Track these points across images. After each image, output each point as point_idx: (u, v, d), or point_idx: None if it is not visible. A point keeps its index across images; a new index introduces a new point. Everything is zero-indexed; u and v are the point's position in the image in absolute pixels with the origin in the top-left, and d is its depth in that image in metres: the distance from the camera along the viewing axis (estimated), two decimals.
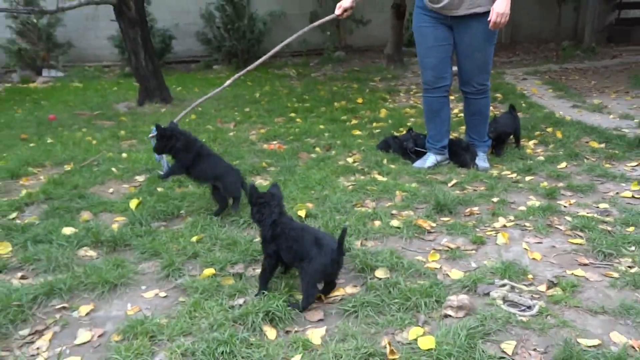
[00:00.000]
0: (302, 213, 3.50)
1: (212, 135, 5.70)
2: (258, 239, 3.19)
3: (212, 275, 2.83)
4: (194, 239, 3.25)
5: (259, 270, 2.86)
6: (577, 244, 3.11)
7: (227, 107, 7.34)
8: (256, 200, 2.64)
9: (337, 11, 4.20)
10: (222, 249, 3.13)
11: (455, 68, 4.49)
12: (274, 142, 5.46)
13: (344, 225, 2.69)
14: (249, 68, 4.38)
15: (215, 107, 7.35)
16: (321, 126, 6.03)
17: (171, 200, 3.86)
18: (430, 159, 4.57)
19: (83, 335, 2.41)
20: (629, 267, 2.83)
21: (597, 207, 3.61)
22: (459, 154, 4.54)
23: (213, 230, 3.35)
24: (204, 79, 10.09)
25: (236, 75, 4.29)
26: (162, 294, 2.73)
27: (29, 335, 2.43)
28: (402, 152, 4.79)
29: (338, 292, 2.67)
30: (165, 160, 4.11)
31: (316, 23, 4.31)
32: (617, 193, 3.84)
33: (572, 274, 2.79)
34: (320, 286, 2.60)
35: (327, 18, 4.27)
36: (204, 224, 3.44)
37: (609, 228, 3.26)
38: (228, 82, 4.24)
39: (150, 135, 3.93)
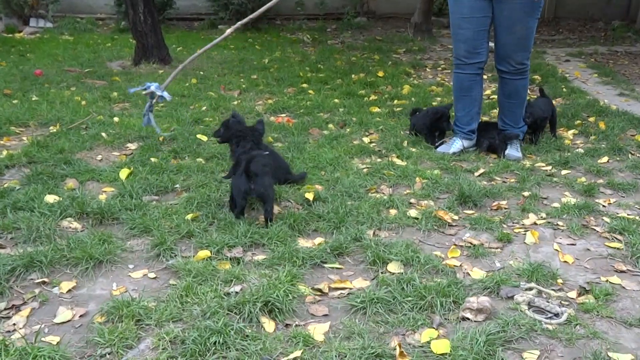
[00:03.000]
0: (309, 196, 3.51)
1: (214, 103, 5.71)
2: (259, 222, 3.22)
3: (207, 258, 2.85)
4: (189, 216, 3.26)
5: (259, 256, 2.89)
6: (614, 248, 3.11)
7: (232, 73, 7.33)
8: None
9: None
10: (220, 230, 3.14)
11: (492, 44, 4.46)
12: (283, 115, 5.46)
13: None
14: (252, 16, 4.20)
15: (219, 72, 7.34)
16: (336, 100, 6.01)
17: (166, 172, 3.88)
18: (456, 144, 4.55)
19: (64, 314, 2.45)
20: None
21: None
22: (489, 139, 4.53)
23: (210, 209, 3.36)
24: (208, 39, 10.01)
25: (238, 24, 4.11)
26: (152, 275, 2.76)
27: (5, 309, 2.47)
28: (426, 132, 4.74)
29: (345, 285, 2.69)
30: (154, 121, 4.04)
31: None
32: None
33: (607, 280, 2.79)
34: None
35: None
36: (201, 201, 3.45)
37: None
38: (228, 31, 4.11)
39: (144, 92, 3.92)
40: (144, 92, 3.95)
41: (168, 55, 7.77)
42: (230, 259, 2.87)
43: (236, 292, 2.56)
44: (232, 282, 2.66)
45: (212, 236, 3.05)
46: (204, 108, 5.58)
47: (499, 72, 4.50)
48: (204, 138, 4.67)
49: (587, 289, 2.69)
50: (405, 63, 8.27)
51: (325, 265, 2.86)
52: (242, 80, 6.91)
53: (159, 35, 7.70)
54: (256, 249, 2.99)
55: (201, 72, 7.27)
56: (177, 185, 3.73)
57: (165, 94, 3.95)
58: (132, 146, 4.50)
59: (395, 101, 6.09)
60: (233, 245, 2.98)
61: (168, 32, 9.85)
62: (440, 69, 8.06)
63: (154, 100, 3.93)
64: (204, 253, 2.88)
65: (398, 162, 4.24)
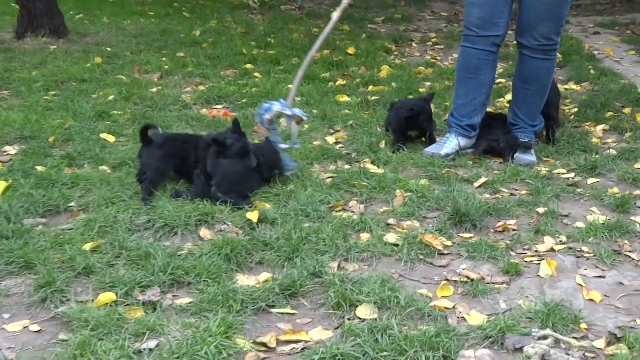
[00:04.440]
0: (252, 216, 3.51)
1: (125, 90, 5.67)
2: (184, 251, 3.21)
3: (111, 303, 2.81)
4: (87, 246, 3.23)
5: (182, 299, 2.87)
6: None
7: (149, 49, 7.29)
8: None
9: None
10: (129, 264, 3.11)
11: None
12: (218, 107, 5.45)
13: None
14: None
15: (132, 48, 7.30)
16: (290, 86, 6.02)
17: (56, 185, 3.84)
18: (449, 143, 4.61)
19: None
20: None
21: None
22: (493, 138, 4.60)
23: (117, 235, 3.33)
24: (119, 2, 9.99)
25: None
26: (34, 328, 2.71)
27: None
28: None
29: (299, 337, 2.68)
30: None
31: None
32: None
33: None
34: None
35: None
36: (104, 225, 3.42)
37: None
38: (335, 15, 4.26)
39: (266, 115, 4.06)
40: (266, 117, 4.07)
41: (63, 25, 7.70)
42: (143, 303, 2.84)
43: (150, 350, 2.54)
44: (145, 335, 2.62)
45: (118, 273, 3.01)
46: (111, 97, 5.53)
47: (519, 47, 4.60)
48: (111, 138, 4.64)
49: (618, 335, 2.72)
50: (384, 36, 8.35)
51: (273, 311, 2.85)
52: (163, 59, 6.89)
53: None
54: (179, 290, 2.97)
55: (108, 48, 7.22)
56: (72, 204, 3.69)
57: (298, 111, 4.13)
58: (11, 150, 4.44)
59: (370, 87, 6.14)
60: (147, 284, 2.95)
61: None
62: (430, 43, 8.17)
63: (286, 123, 4.12)
64: (107, 296, 2.85)
65: (373, 169, 4.27)
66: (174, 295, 2.93)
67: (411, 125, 4.70)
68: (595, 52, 7.76)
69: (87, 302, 2.84)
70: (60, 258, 3.13)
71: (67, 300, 2.86)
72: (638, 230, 3.63)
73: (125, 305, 2.82)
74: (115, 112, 5.19)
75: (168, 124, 4.90)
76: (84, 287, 2.97)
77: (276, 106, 4.07)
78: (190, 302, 2.86)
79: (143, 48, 7.33)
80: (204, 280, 2.98)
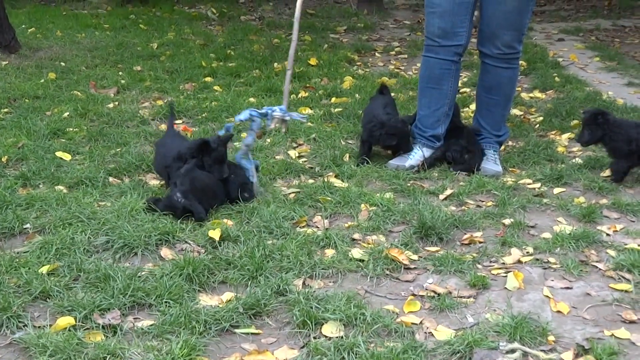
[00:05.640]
0: (214, 234, 3.52)
1: (81, 107, 5.63)
2: (145, 272, 3.20)
3: (69, 328, 2.80)
4: (44, 269, 3.21)
5: (143, 322, 2.86)
6: (621, 290, 3.22)
7: (105, 63, 7.26)
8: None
9: None
10: (88, 286, 3.10)
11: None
12: (178, 122, 5.43)
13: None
14: None
15: (88, 63, 7.27)
16: (252, 99, 6.05)
17: (10, 207, 3.80)
18: (414, 155, 4.66)
19: None
20: None
21: None
22: (457, 150, 4.65)
23: (75, 257, 3.32)
24: (73, 15, 9.93)
25: None
26: None
27: None
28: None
29: (264, 357, 2.69)
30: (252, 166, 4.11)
31: None
32: None
33: (612, 335, 2.88)
34: None
35: None
36: (61, 247, 3.40)
37: None
38: None
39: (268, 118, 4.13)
40: (269, 120, 4.15)
41: (14, 40, 7.64)
42: (103, 327, 2.83)
43: None
44: None
45: (77, 296, 3.00)
46: (65, 114, 5.50)
47: (481, 56, 4.66)
48: (67, 157, 4.61)
49: (586, 347, 2.76)
50: (347, 46, 8.40)
51: (237, 331, 2.86)
52: (120, 73, 6.86)
53: (1, 11, 7.54)
54: (140, 312, 2.96)
55: (62, 63, 7.17)
56: (28, 225, 3.67)
57: (296, 115, 4.28)
58: None
59: (333, 99, 6.18)
60: (107, 307, 2.94)
61: (15, 8, 9.69)
62: (393, 53, 8.24)
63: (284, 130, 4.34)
64: (66, 320, 2.83)
65: (337, 183, 4.30)
66: (135, 318, 2.92)
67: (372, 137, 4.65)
68: (560, 60, 7.89)
69: (45, 327, 2.82)
70: (16, 282, 3.11)
71: (24, 325, 2.84)
72: (604, 240, 3.70)
73: (85, 330, 2.81)
74: (71, 129, 5.16)
75: (126, 141, 4.88)
76: (42, 311, 2.95)
77: (278, 111, 4.12)
78: (152, 325, 2.86)
79: (99, 62, 7.30)
80: (165, 302, 2.98)
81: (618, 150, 4.34)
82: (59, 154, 4.64)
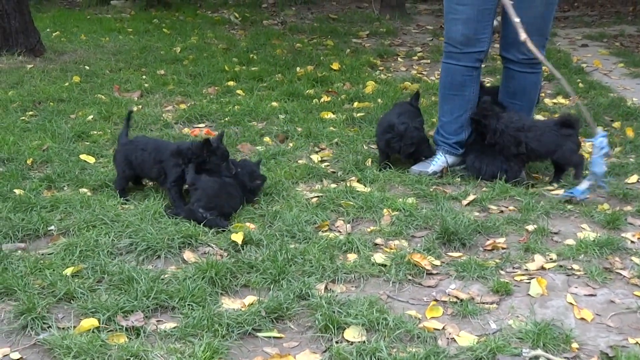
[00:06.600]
0: (237, 238, 3.53)
1: (105, 110, 5.68)
2: (168, 274, 3.22)
3: (93, 329, 2.82)
4: (69, 271, 3.24)
5: (166, 324, 2.88)
6: None
7: (129, 67, 7.31)
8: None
9: None
10: (112, 288, 3.12)
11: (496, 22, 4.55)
12: (201, 126, 5.47)
13: None
14: None
15: (112, 66, 7.31)
16: (274, 103, 6.06)
17: (35, 209, 3.84)
18: (437, 161, 4.66)
19: None
20: None
21: None
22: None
23: (99, 259, 3.34)
24: (97, 19, 10.01)
25: None
26: (15, 356, 2.71)
27: None
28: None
29: None
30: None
31: None
32: None
33: (637, 343, 2.87)
34: None
35: None
36: (85, 249, 3.43)
37: None
38: None
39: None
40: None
41: (40, 43, 7.72)
42: (126, 329, 2.85)
43: None
44: None
45: (100, 298, 3.03)
46: (90, 117, 5.55)
47: (504, 62, 4.66)
48: (91, 159, 4.66)
49: (610, 355, 2.76)
50: (369, 51, 8.39)
51: (259, 335, 2.87)
52: (144, 77, 6.91)
53: (27, 15, 7.63)
54: (163, 314, 2.99)
55: (86, 67, 7.23)
56: (52, 227, 3.70)
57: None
58: None
59: (356, 104, 6.18)
60: (130, 310, 2.96)
61: (40, 12, 9.77)
62: (416, 58, 8.22)
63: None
64: (90, 322, 2.86)
65: (359, 188, 4.31)
66: (157, 320, 2.94)
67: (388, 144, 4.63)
68: (584, 65, 7.84)
69: (69, 328, 2.85)
70: (40, 284, 3.13)
71: (49, 327, 2.87)
72: (629, 247, 3.68)
73: (108, 332, 2.83)
74: (95, 132, 5.21)
75: None
76: (66, 313, 2.98)
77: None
78: (174, 327, 2.87)
79: (122, 66, 7.35)
80: (188, 305, 2.99)
81: None
82: (83, 156, 4.68)
